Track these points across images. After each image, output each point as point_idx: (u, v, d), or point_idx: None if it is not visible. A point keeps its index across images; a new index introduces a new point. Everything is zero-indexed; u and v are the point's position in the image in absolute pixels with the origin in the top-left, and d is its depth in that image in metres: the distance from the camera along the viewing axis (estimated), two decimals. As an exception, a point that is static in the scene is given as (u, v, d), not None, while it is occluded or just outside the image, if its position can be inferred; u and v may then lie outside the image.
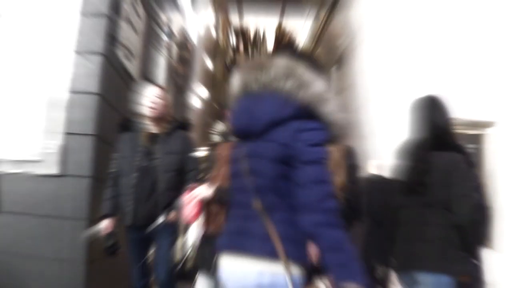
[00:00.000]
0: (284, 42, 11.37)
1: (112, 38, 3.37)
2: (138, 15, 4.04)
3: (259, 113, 1.45)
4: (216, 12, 10.12)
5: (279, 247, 1.34)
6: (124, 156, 2.84)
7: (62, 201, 3.02)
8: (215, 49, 10.40)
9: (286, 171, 1.40)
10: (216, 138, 2.60)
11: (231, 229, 1.51)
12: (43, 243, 2.98)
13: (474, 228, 2.08)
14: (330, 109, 1.42)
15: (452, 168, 2.11)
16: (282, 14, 11.07)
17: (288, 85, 1.42)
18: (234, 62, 11.59)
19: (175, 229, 2.75)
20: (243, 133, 1.52)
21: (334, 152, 2.19)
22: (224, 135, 2.55)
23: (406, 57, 4.74)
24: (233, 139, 2.48)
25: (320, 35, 8.84)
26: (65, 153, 3.07)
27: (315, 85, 1.42)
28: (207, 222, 2.41)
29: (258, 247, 1.37)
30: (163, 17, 5.13)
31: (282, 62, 1.47)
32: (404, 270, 2.24)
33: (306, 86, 1.42)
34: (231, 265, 1.46)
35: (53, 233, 2.98)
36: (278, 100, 1.43)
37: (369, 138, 5.00)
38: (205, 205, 2.41)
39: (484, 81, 4.54)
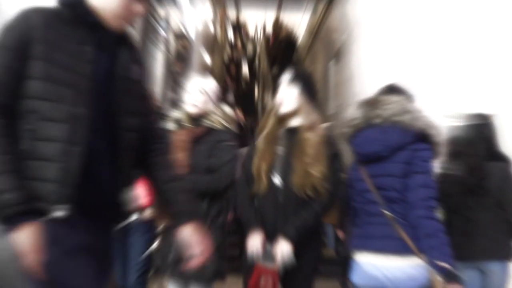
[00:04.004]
0: (281, 37, 11.34)
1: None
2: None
3: (386, 141, 1.86)
4: (214, 6, 10.07)
5: (410, 243, 1.76)
6: None
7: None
8: (213, 43, 10.37)
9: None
10: (170, 125, 2.46)
11: (363, 234, 1.93)
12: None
13: None
14: (435, 132, 1.86)
15: (504, 176, 2.58)
16: (279, 8, 11.04)
17: (406, 118, 1.86)
18: (232, 57, 11.55)
19: (149, 228, 2.60)
20: (372, 158, 1.91)
21: (311, 138, 2.08)
22: (178, 122, 2.43)
23: (404, 51, 4.73)
24: (188, 126, 2.35)
25: (318, 29, 8.83)
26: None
27: (424, 116, 1.88)
28: (164, 214, 2.26)
29: (390, 246, 1.80)
30: (161, 12, 5.11)
31: (396, 99, 1.93)
32: (471, 262, 2.55)
33: (418, 118, 1.86)
34: (368, 263, 1.86)
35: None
36: (399, 129, 1.86)
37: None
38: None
39: (482, 74, 4.54)
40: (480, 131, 2.74)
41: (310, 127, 2.11)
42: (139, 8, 1.38)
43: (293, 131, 2.14)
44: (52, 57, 1.25)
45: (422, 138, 1.84)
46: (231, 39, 12.13)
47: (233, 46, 11.90)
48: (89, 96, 1.28)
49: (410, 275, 1.77)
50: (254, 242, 2.04)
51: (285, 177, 2.07)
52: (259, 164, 2.12)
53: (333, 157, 2.10)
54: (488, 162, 2.63)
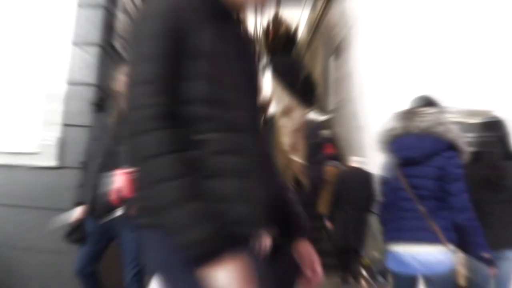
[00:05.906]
0: (281, 32, 11.32)
1: (109, 29, 3.35)
2: (135, 6, 4.00)
3: (422, 148, 2.19)
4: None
5: (440, 234, 2.10)
6: (95, 138, 2.66)
7: (60, 193, 3.01)
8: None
9: (441, 185, 2.16)
10: None
11: (397, 227, 2.24)
12: (41, 235, 2.98)
13: None
14: (462, 142, 2.20)
15: None
16: (278, 4, 11.01)
17: (439, 129, 2.18)
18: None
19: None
20: (409, 161, 2.23)
21: (286, 125, 1.99)
22: None
23: (403, 46, 4.72)
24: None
25: (318, 25, 8.80)
26: (63, 145, 3.06)
27: (455, 128, 2.21)
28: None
29: (423, 237, 2.13)
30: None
31: (431, 111, 2.25)
32: (494, 251, 2.71)
33: (451, 130, 2.19)
34: (404, 252, 2.19)
35: (52, 225, 2.98)
36: (433, 138, 2.18)
37: (364, 129, 5.00)
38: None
39: (482, 70, 4.54)
40: (494, 130, 2.91)
41: (285, 113, 2.03)
42: None
43: (271, 121, 2.06)
44: (209, 53, 1.04)
45: (452, 147, 2.19)
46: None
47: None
48: (251, 98, 1.11)
49: (440, 260, 2.11)
50: None
51: None
52: None
53: (316, 146, 2.05)
54: (504, 161, 2.84)
